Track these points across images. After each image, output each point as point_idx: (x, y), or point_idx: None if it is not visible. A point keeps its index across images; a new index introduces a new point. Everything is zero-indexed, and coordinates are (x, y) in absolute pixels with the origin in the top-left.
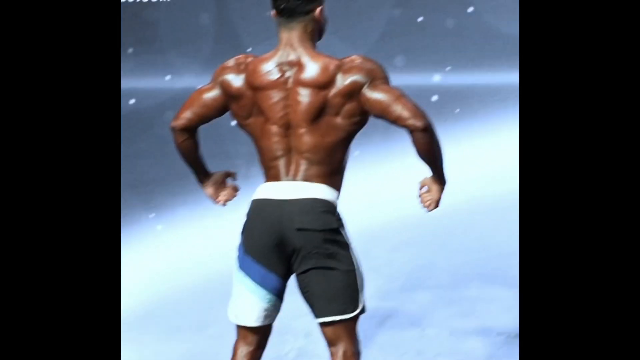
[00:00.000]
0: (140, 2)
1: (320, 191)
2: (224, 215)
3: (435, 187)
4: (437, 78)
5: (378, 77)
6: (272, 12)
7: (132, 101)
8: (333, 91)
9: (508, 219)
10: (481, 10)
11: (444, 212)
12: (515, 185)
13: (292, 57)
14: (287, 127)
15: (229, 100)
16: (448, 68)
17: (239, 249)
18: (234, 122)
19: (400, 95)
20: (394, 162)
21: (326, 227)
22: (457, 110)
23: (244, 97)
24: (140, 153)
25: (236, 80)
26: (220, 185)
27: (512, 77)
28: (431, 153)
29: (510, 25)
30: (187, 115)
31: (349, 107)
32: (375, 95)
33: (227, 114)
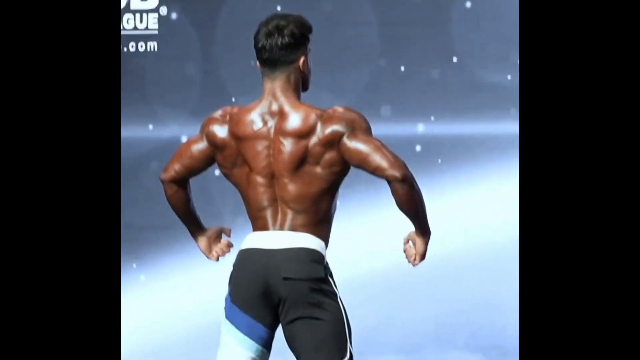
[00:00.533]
0: (127, 51)
1: (307, 240)
2: (209, 266)
3: (419, 240)
4: (421, 128)
5: (358, 127)
6: (257, 63)
7: None
8: (313, 140)
9: (491, 271)
10: (466, 60)
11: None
12: (498, 237)
13: (274, 106)
14: (272, 177)
15: (214, 151)
16: (432, 118)
17: (226, 299)
18: (218, 172)
19: (380, 145)
20: (382, 210)
21: (313, 276)
22: (440, 161)
23: (228, 147)
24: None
25: (221, 131)
26: (214, 240)
27: (498, 127)
28: (411, 204)
29: (495, 75)
30: (175, 167)
31: (328, 156)
32: (354, 145)
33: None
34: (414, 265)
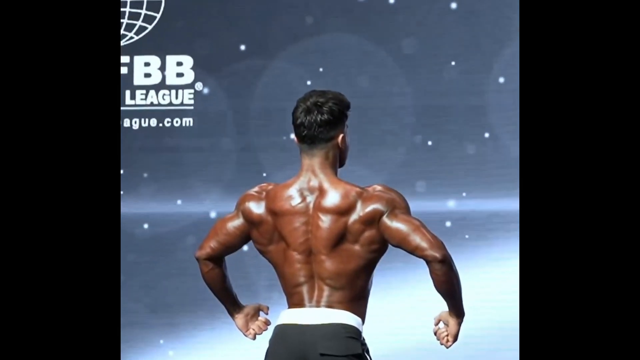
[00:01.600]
0: (163, 126)
1: (344, 317)
2: (242, 342)
3: (452, 321)
4: (451, 204)
5: (398, 207)
6: (295, 138)
7: (145, 225)
8: (353, 218)
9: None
10: (498, 133)
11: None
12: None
13: (313, 182)
14: (309, 254)
15: (250, 227)
16: (464, 194)
17: None
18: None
19: (420, 225)
20: (417, 288)
21: (350, 352)
22: (467, 236)
23: (265, 223)
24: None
25: (257, 207)
26: (252, 318)
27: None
28: (449, 285)
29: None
30: (211, 244)
31: (368, 234)
32: (394, 224)
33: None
34: (447, 347)
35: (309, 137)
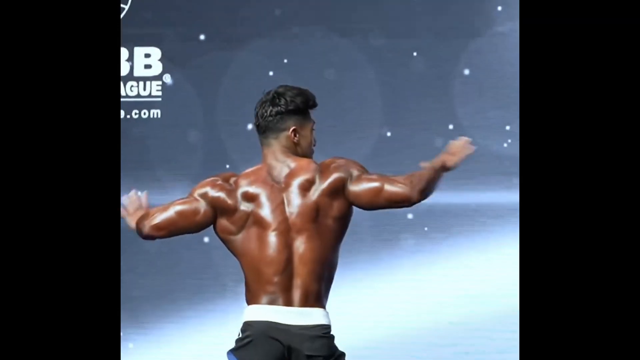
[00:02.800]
0: (130, 118)
1: (322, 316)
2: (205, 336)
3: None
4: None
5: (357, 169)
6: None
7: None
8: (317, 192)
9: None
10: (467, 127)
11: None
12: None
13: (279, 165)
14: (288, 232)
15: (218, 216)
16: None
17: None
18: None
19: (382, 176)
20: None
21: (332, 352)
22: (426, 229)
23: (239, 210)
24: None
25: (230, 196)
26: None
27: (501, 197)
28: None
29: (498, 143)
30: (163, 224)
31: (337, 205)
32: (362, 186)
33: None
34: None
35: (261, 127)
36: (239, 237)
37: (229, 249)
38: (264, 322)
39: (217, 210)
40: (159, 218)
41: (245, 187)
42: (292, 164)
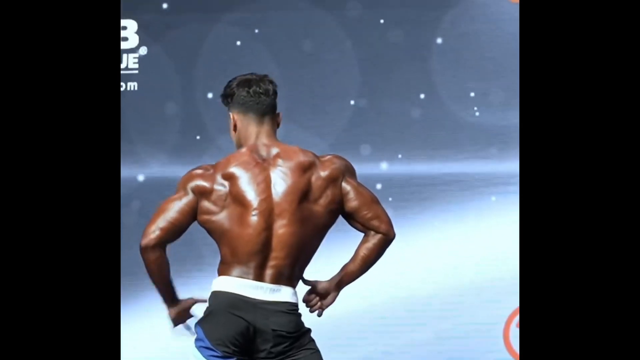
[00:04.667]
0: None
1: (291, 294)
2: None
3: (333, 295)
4: (384, 166)
5: (353, 175)
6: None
7: None
8: (315, 175)
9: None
10: (442, 97)
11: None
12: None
13: (264, 146)
14: (269, 214)
15: (200, 200)
16: (399, 156)
17: (200, 341)
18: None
19: (377, 199)
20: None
21: (299, 328)
22: (390, 199)
23: (217, 191)
24: None
25: (207, 179)
26: (184, 312)
27: (478, 166)
28: (375, 260)
29: (473, 115)
30: (160, 225)
31: (330, 192)
32: (358, 189)
33: None
34: (318, 315)
35: (253, 103)
36: (220, 217)
37: (211, 234)
38: (229, 294)
39: (198, 194)
40: (160, 230)
41: (226, 166)
42: (283, 146)
